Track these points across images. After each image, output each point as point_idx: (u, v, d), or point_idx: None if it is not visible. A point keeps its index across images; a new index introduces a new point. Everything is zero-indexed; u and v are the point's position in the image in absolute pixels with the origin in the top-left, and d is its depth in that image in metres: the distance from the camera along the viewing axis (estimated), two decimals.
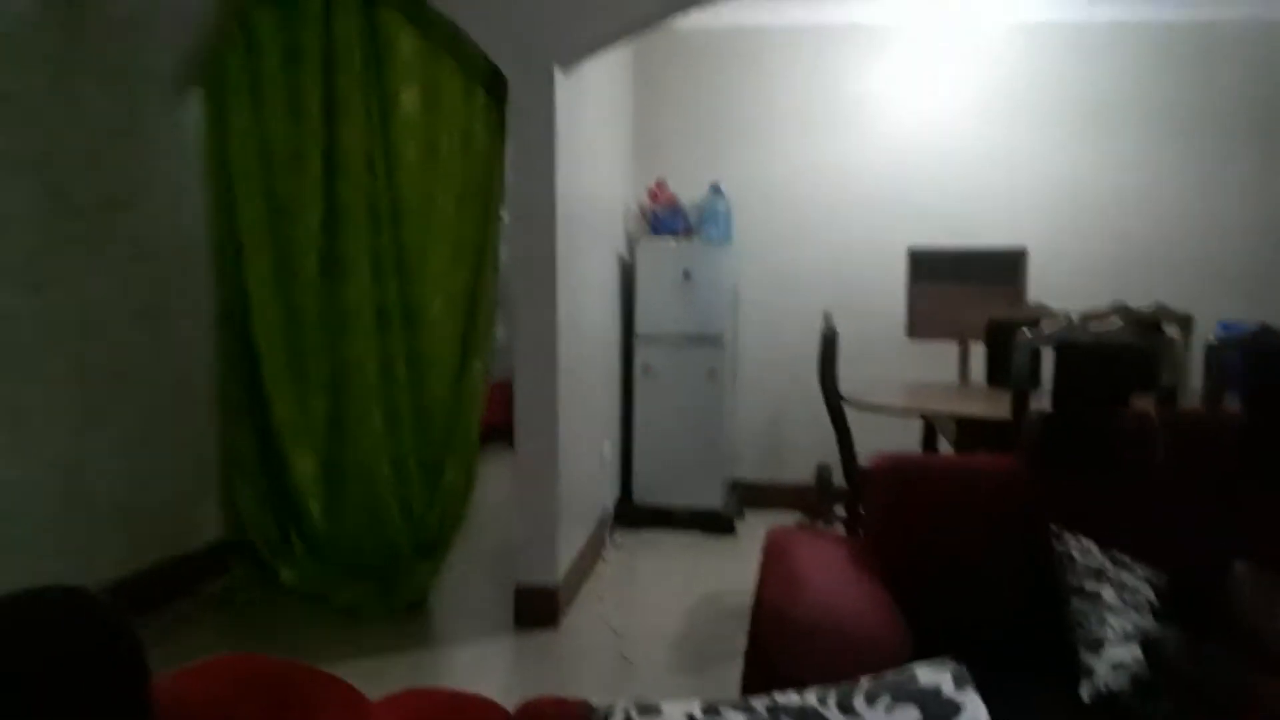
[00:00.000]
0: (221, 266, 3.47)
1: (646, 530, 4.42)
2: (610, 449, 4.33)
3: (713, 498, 4.45)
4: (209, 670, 0.92)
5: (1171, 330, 3.36)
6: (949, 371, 4.13)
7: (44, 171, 2.85)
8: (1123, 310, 3.38)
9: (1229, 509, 1.80)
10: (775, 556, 1.84)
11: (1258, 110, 4.45)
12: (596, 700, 1.00)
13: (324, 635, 3.16)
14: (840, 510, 3.69)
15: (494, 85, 3.23)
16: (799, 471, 4.70)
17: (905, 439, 3.93)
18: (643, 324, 4.47)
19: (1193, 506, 1.82)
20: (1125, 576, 1.66)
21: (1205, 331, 3.20)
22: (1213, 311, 4.06)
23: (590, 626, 3.26)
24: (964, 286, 4.71)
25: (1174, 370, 2.55)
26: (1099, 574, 1.66)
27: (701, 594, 3.58)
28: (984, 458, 2.01)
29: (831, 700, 0.98)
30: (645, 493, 4.52)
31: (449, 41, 3.21)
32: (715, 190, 4.55)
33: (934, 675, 0.97)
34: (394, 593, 3.34)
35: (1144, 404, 2.38)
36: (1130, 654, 1.50)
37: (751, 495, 4.76)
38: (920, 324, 4.76)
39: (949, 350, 4.20)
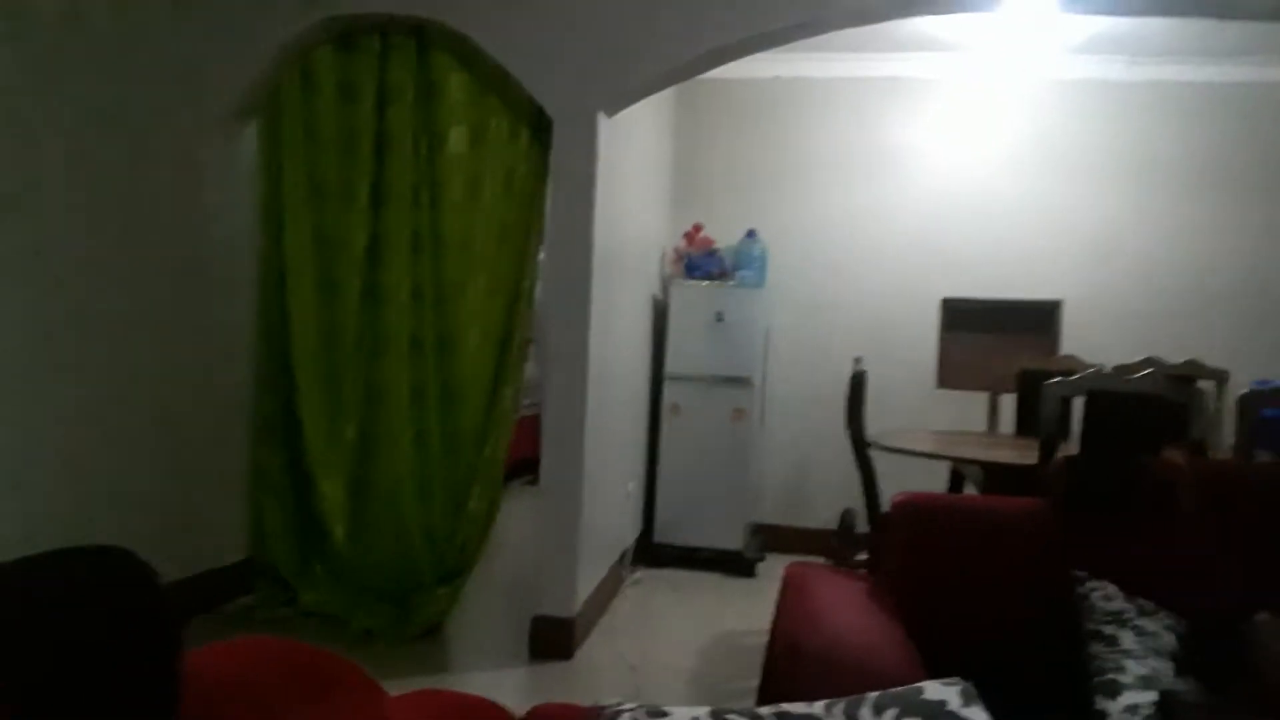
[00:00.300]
0: (265, 289, 3.57)
1: (666, 569, 4.41)
2: (634, 486, 4.35)
3: (734, 539, 4.42)
4: (236, 647, 0.96)
5: (1206, 386, 3.32)
6: (978, 422, 4.11)
7: (104, 198, 2.99)
8: (1155, 365, 3.35)
9: (1256, 560, 1.78)
10: (793, 590, 1.84)
11: None
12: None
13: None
14: (863, 556, 3.66)
15: (539, 126, 3.33)
16: (822, 516, 4.67)
17: (931, 485, 3.87)
18: (673, 364, 4.51)
19: (1219, 556, 1.80)
20: (1146, 623, 1.64)
21: (1240, 388, 3.17)
22: (1249, 368, 4.00)
23: (605, 660, 3.24)
24: (997, 338, 4.69)
25: (1204, 422, 2.53)
26: (1120, 619, 1.65)
27: (718, 633, 3.55)
28: (1006, 499, 2.00)
29: (839, 712, 0.99)
30: (667, 531, 4.51)
31: (497, 84, 3.32)
32: (751, 235, 4.61)
33: (941, 691, 0.98)
34: (411, 618, 3.35)
35: (1173, 454, 2.36)
36: (1146, 699, 1.48)
37: (774, 538, 4.73)
38: (951, 374, 4.74)
39: (978, 401, 4.19)
